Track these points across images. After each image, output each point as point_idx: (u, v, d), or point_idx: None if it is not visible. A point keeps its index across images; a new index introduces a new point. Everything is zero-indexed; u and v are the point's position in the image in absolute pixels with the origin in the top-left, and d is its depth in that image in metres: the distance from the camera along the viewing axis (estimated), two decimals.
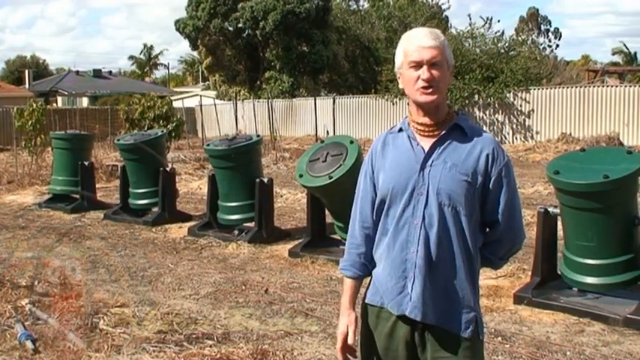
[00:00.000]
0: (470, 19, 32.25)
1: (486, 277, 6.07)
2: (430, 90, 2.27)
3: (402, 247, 2.32)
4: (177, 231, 9.04)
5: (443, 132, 2.33)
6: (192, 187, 13.51)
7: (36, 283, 6.36)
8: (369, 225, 2.44)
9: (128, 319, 5.24)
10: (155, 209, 9.82)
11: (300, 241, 7.71)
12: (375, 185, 2.43)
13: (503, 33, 26.99)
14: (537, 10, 57.27)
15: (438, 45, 2.27)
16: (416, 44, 2.28)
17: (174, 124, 19.39)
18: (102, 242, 8.54)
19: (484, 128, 22.07)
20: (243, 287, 6.28)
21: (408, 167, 2.32)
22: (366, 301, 2.45)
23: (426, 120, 2.33)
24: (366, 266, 2.45)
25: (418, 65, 2.28)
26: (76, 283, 6.48)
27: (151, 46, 71.49)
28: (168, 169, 9.81)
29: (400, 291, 2.33)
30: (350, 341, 2.43)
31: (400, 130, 2.42)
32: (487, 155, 2.30)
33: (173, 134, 19.02)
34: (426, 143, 2.33)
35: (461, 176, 2.27)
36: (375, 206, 2.42)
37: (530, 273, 5.98)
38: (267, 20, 31.55)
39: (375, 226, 2.42)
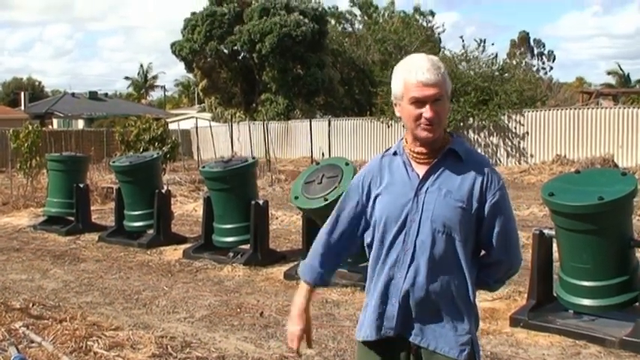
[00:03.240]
0: (463, 41, 32.62)
1: (482, 300, 6.05)
2: (432, 127, 2.26)
3: (390, 273, 2.32)
4: (173, 253, 9.00)
5: (437, 158, 2.32)
6: (188, 209, 13.48)
7: (30, 305, 6.32)
8: (336, 237, 2.48)
9: (122, 343, 5.20)
10: (150, 231, 9.78)
11: (296, 263, 7.68)
12: (364, 205, 2.42)
13: (496, 56, 27.22)
14: (527, 33, 57.71)
15: (440, 80, 2.24)
16: (418, 79, 2.23)
17: (170, 146, 19.44)
18: (97, 265, 8.50)
19: (479, 151, 22.16)
20: (239, 310, 6.25)
21: (403, 194, 2.31)
22: (358, 338, 2.44)
23: (422, 149, 2.33)
24: (322, 276, 2.51)
25: (421, 102, 2.24)
26: (71, 305, 6.44)
27: (149, 66, 71.74)
28: (163, 191, 9.79)
29: (378, 317, 2.35)
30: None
31: (395, 153, 2.41)
32: (482, 180, 2.29)
33: (168, 156, 19.05)
34: (421, 170, 2.32)
35: (456, 203, 2.26)
36: (371, 232, 2.42)
37: (526, 295, 5.97)
38: (264, 43, 31.73)
39: (369, 248, 2.43)
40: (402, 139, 2.41)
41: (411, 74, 2.25)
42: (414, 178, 2.32)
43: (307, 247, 7.55)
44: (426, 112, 2.23)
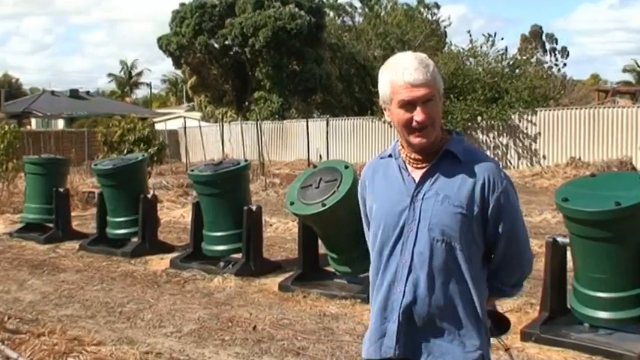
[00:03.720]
0: (470, 35, 32.59)
1: None
2: (425, 131, 2.24)
3: (389, 287, 2.32)
4: (159, 263, 8.99)
5: (433, 161, 2.30)
6: (175, 215, 13.47)
7: (6, 319, 6.30)
8: None
9: (105, 359, 5.19)
10: (135, 239, 9.77)
11: (291, 273, 7.67)
12: (367, 213, 2.46)
13: (506, 51, 27.29)
14: (540, 27, 57.84)
15: (429, 79, 2.22)
16: (405, 81, 2.21)
17: (156, 147, 19.43)
18: (77, 275, 8.49)
19: (487, 152, 22.18)
20: (230, 324, 6.24)
21: (399, 201, 2.31)
22: (363, 355, 2.45)
23: (418, 155, 2.32)
24: None
25: (410, 105, 2.22)
26: (49, 319, 6.43)
27: (132, 63, 71.72)
28: (149, 196, 9.78)
29: (381, 334, 2.35)
30: None
31: (390, 155, 2.41)
32: (483, 182, 2.27)
33: (155, 159, 19.05)
34: (418, 174, 2.31)
35: (454, 209, 2.25)
36: (370, 242, 2.43)
37: (538, 308, 5.97)
38: (257, 37, 31.77)
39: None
40: (398, 140, 2.41)
41: (398, 75, 2.23)
42: (410, 183, 2.31)
43: (304, 256, 7.56)
44: (417, 114, 2.21)
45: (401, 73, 2.22)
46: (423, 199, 2.28)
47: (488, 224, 2.29)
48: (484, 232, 2.30)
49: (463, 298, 2.28)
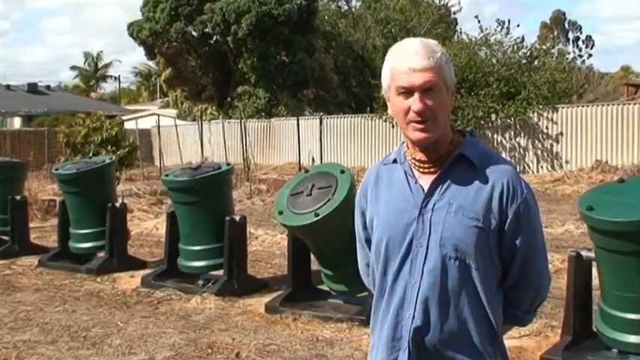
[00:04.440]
0: (479, 22, 32.75)
1: (507, 337, 6.05)
2: (424, 125, 2.22)
3: (397, 312, 2.31)
4: (129, 281, 8.98)
5: (445, 166, 2.29)
6: (147, 226, 13.45)
7: None
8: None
9: None
10: (101, 254, 9.75)
11: (280, 293, 7.67)
12: (369, 228, 2.45)
13: (523, 40, 27.37)
14: (564, 13, 58.09)
15: (432, 65, 2.21)
16: (405, 65, 2.21)
17: (126, 149, 19.38)
18: (36, 295, 8.47)
19: (502, 155, 22.20)
20: (209, 351, 6.23)
21: (405, 212, 2.29)
22: None
23: (424, 155, 2.30)
24: None
25: (408, 92, 2.22)
26: (4, 345, 6.41)
27: (99, 54, 71.71)
28: (117, 204, 9.77)
29: None
30: None
31: (395, 161, 2.39)
32: (501, 191, 2.25)
33: (124, 162, 18.99)
34: (426, 181, 2.29)
35: (469, 221, 2.23)
36: (371, 261, 2.42)
37: (559, 331, 5.98)
38: (240, 24, 31.83)
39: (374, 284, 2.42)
40: (403, 142, 2.39)
41: (399, 59, 2.24)
42: (418, 191, 2.29)
43: (294, 272, 7.56)
44: (414, 103, 2.20)
45: (400, 57, 2.24)
46: (433, 209, 2.26)
47: (505, 239, 2.27)
48: (500, 250, 2.29)
49: (479, 323, 2.27)
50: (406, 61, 2.21)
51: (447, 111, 2.28)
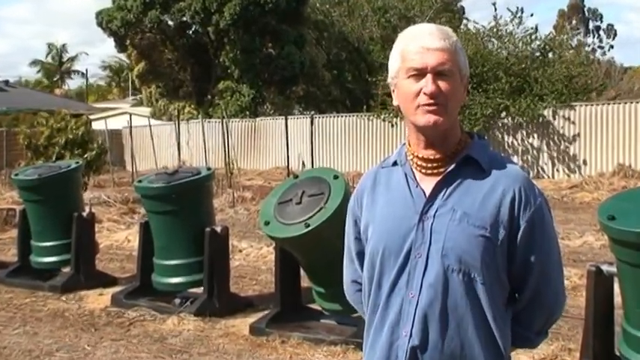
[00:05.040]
0: (495, 9, 32.76)
1: None
2: (435, 108, 2.22)
3: (392, 329, 2.30)
4: (97, 299, 8.95)
5: (450, 168, 2.29)
6: (118, 238, 13.43)
7: None
8: (361, 281, 2.47)
9: None
10: (66, 269, 9.73)
11: (266, 312, 7.66)
12: (363, 238, 2.45)
13: (537, 30, 27.42)
14: (582, 0, 58.29)
15: (448, 47, 2.24)
16: (418, 44, 2.24)
17: (94, 152, 19.33)
18: None
19: (514, 159, 22.27)
20: None
21: (404, 218, 2.29)
22: None
23: (429, 153, 2.30)
24: None
25: (420, 74, 2.23)
26: None
27: (64, 46, 71.61)
28: (84, 214, 9.74)
29: None
30: None
31: (395, 163, 2.40)
32: (512, 198, 2.25)
33: (92, 166, 18.95)
34: (429, 184, 2.30)
35: (475, 230, 2.22)
36: (364, 272, 2.42)
37: (577, 354, 5.99)
38: (223, 13, 31.83)
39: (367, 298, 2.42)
40: (405, 143, 2.40)
41: (409, 40, 2.29)
42: (419, 196, 2.30)
43: (281, 290, 7.54)
44: (427, 85, 2.22)
45: (413, 37, 2.28)
46: (434, 216, 2.26)
47: (516, 253, 2.27)
48: (510, 263, 2.28)
49: (484, 344, 2.26)
50: (419, 40, 2.25)
51: (458, 102, 2.30)
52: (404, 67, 2.26)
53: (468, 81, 2.35)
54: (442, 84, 2.22)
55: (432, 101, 2.21)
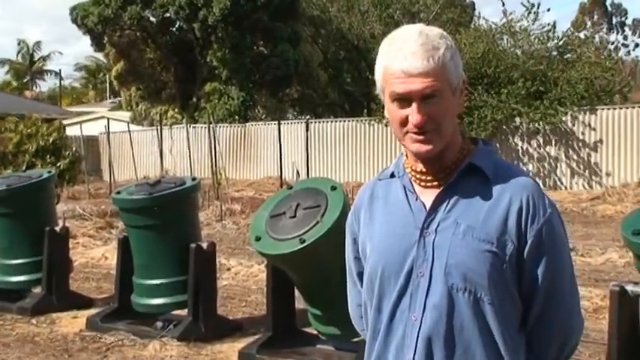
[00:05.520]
0: (503, 4, 32.75)
1: None
2: (424, 137, 2.22)
3: (395, 356, 2.30)
4: (71, 323, 8.94)
5: (452, 179, 2.29)
6: (95, 256, 13.41)
7: None
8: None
9: None
10: (37, 290, 9.71)
11: (257, 337, 7.65)
12: (362, 258, 2.45)
13: (554, 27, 27.44)
14: None
15: (433, 67, 2.18)
16: (399, 68, 2.20)
17: (68, 160, 19.34)
18: None
19: (529, 168, 22.26)
20: None
21: (404, 235, 2.29)
22: None
23: (428, 166, 2.31)
24: None
25: (405, 100, 2.22)
26: None
27: (35, 44, 71.63)
28: (57, 228, 9.73)
29: None
30: None
31: (393, 174, 2.41)
32: (520, 208, 2.24)
33: (66, 176, 18.94)
34: (429, 197, 2.30)
35: (481, 245, 2.22)
36: (363, 295, 2.43)
37: None
38: (210, 8, 31.82)
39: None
40: (403, 153, 2.40)
41: (391, 58, 2.23)
42: (419, 209, 2.30)
43: (274, 312, 7.53)
44: (412, 114, 2.20)
45: (395, 56, 2.22)
46: (437, 231, 2.26)
47: (524, 268, 2.26)
48: (519, 282, 2.27)
49: None
50: (400, 62, 2.19)
51: (453, 117, 2.28)
52: (387, 89, 2.25)
53: (464, 82, 2.32)
54: (431, 108, 2.20)
55: (420, 131, 2.21)
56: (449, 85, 2.22)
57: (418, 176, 2.32)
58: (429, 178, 2.31)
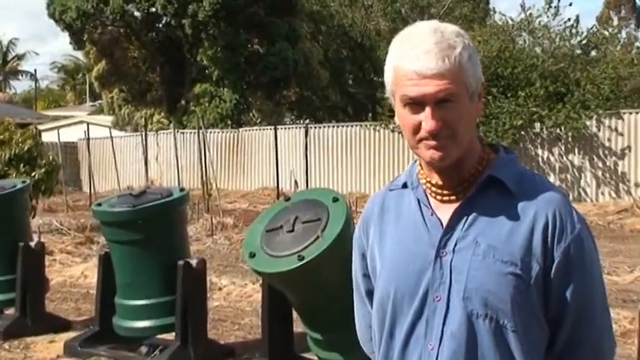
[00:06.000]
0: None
1: None
2: (439, 143, 2.18)
3: None
4: (47, 348, 8.93)
5: (470, 193, 2.27)
6: (73, 274, 13.41)
7: None
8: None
9: None
10: (10, 311, 9.71)
11: None
12: (371, 276, 2.44)
13: (577, 22, 27.44)
14: None
15: (448, 68, 2.15)
16: (411, 68, 2.16)
17: (44, 169, 19.32)
18: None
19: (550, 178, 22.24)
20: None
21: (418, 254, 2.27)
22: None
23: (444, 179, 2.28)
24: None
25: (418, 105, 2.18)
26: None
27: (10, 42, 71.74)
28: (32, 244, 9.72)
29: None
30: None
31: (405, 185, 2.39)
32: (545, 225, 2.21)
33: (42, 187, 18.93)
34: (446, 212, 2.28)
35: (503, 266, 2.19)
36: (374, 319, 2.41)
37: None
38: (201, 3, 31.79)
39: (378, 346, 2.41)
40: (416, 160, 2.38)
41: (403, 57, 2.20)
42: (435, 226, 2.28)
43: (269, 335, 7.53)
44: (426, 120, 2.16)
45: (407, 55, 2.18)
46: (454, 251, 2.23)
47: (551, 291, 2.23)
48: (545, 304, 2.24)
49: None
50: (413, 62, 2.16)
51: (470, 123, 2.25)
52: (398, 92, 2.22)
53: (483, 87, 2.29)
54: (446, 113, 2.16)
55: (434, 138, 2.18)
56: (466, 88, 2.19)
57: (434, 189, 2.30)
58: (445, 192, 2.28)
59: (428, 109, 2.15)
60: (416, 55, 2.15)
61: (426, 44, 2.15)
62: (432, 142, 2.17)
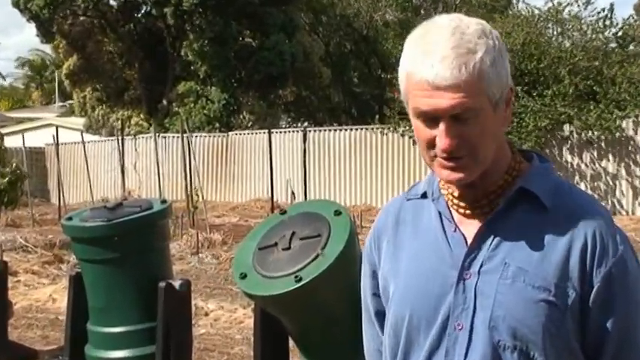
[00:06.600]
0: None
1: None
2: (455, 164, 2.15)
3: None
4: None
5: (499, 207, 2.23)
6: (40, 297, 13.41)
7: None
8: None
9: None
10: None
11: None
12: (383, 297, 2.43)
13: (612, 13, 27.46)
14: None
15: (465, 78, 2.07)
16: (423, 77, 2.09)
17: (8, 179, 19.36)
18: None
19: (582, 186, 22.27)
20: None
21: (438, 275, 2.25)
22: None
23: (468, 192, 2.25)
24: None
25: (431, 119, 2.13)
26: None
27: None
28: None
29: None
30: None
31: (425, 195, 2.36)
32: (584, 246, 2.17)
33: (5, 199, 18.97)
34: (470, 227, 2.25)
35: (535, 292, 2.15)
36: (385, 345, 2.40)
37: None
38: None
39: None
40: None
41: (415, 63, 2.13)
42: (458, 244, 2.25)
43: None
44: (440, 137, 2.11)
45: (420, 61, 2.12)
46: (479, 273, 2.21)
47: (589, 319, 2.19)
48: (583, 334, 2.21)
49: None
50: (426, 70, 2.09)
51: (494, 136, 2.19)
52: (410, 101, 2.17)
53: (511, 94, 2.22)
54: (464, 129, 2.11)
55: (450, 156, 2.13)
56: (488, 100, 2.12)
57: (456, 201, 2.28)
58: (469, 205, 2.26)
59: (442, 125, 2.11)
60: (430, 62, 2.09)
61: (442, 49, 2.09)
62: (448, 163, 2.14)
